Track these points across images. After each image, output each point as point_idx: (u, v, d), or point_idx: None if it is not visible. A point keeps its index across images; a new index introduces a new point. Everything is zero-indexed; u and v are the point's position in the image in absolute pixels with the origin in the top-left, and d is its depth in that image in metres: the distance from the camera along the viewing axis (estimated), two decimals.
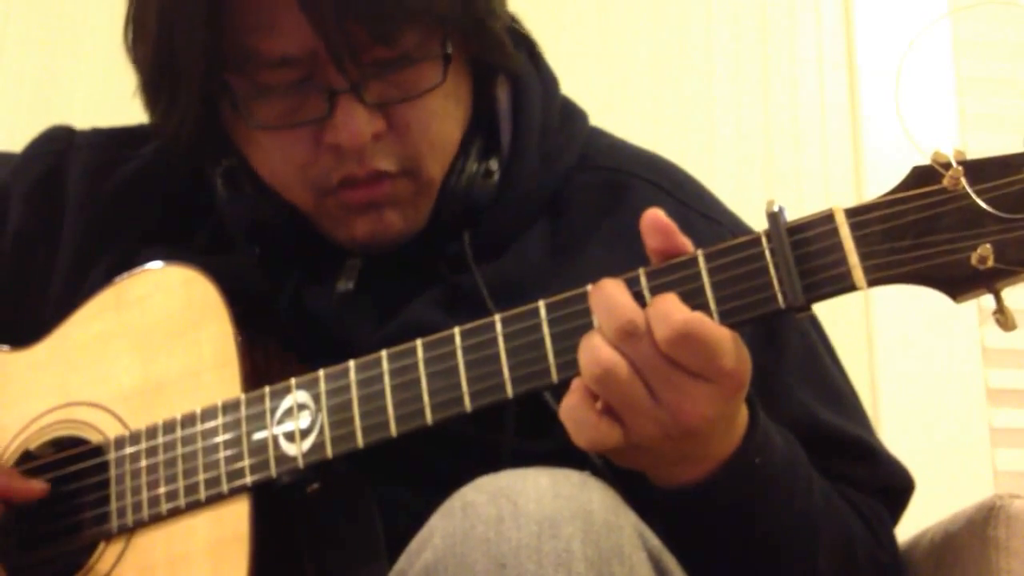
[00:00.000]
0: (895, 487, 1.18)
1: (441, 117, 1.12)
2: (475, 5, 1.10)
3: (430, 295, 1.13)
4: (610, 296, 0.91)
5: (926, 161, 0.88)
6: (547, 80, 1.24)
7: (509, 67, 1.18)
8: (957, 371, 2.19)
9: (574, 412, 0.92)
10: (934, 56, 2.30)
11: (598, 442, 0.91)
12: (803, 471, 1.04)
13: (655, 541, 0.92)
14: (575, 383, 0.93)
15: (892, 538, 1.17)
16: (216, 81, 1.09)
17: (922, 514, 1.21)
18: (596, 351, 0.90)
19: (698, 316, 0.89)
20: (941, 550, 1.16)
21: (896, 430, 2.10)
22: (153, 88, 1.14)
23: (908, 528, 1.21)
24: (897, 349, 2.18)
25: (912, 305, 2.15)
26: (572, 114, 1.26)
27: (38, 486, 1.10)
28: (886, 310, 2.19)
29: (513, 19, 1.21)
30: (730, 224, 1.22)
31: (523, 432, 1.07)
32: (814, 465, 1.07)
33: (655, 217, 0.94)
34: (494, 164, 1.16)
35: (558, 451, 0.98)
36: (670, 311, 0.89)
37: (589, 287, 0.94)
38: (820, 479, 1.07)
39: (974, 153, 0.87)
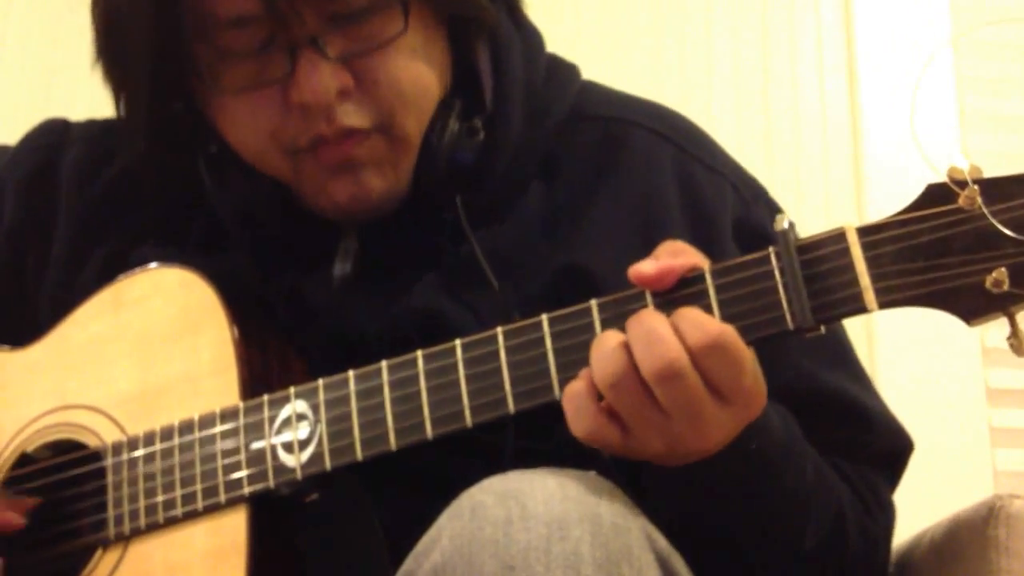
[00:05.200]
0: (893, 450, 1.16)
1: (411, 72, 1.09)
2: None
3: (430, 278, 1.12)
4: (653, 331, 0.88)
5: (938, 177, 0.86)
6: (529, 37, 1.21)
7: (483, 20, 1.15)
8: (957, 371, 2.18)
9: (577, 399, 0.90)
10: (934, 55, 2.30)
11: (596, 435, 0.90)
12: (797, 448, 1.03)
13: (663, 543, 0.91)
14: (583, 370, 0.91)
15: (885, 508, 1.15)
16: (176, 52, 1.07)
17: (922, 514, 1.20)
18: (610, 355, 0.88)
19: (731, 328, 0.88)
20: (941, 550, 1.16)
21: None
22: (110, 76, 1.13)
23: (908, 528, 1.20)
24: (897, 349, 2.17)
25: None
26: (559, 69, 1.23)
27: (15, 520, 1.09)
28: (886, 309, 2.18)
29: None
30: (733, 176, 1.19)
31: (525, 433, 1.06)
32: (809, 430, 1.05)
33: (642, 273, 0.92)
34: (478, 123, 1.14)
35: (561, 451, 0.97)
36: (703, 320, 0.88)
37: (628, 320, 0.90)
38: (814, 454, 1.05)
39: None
